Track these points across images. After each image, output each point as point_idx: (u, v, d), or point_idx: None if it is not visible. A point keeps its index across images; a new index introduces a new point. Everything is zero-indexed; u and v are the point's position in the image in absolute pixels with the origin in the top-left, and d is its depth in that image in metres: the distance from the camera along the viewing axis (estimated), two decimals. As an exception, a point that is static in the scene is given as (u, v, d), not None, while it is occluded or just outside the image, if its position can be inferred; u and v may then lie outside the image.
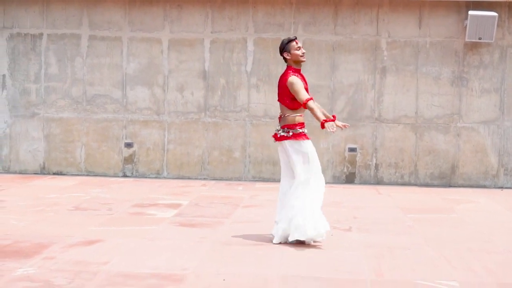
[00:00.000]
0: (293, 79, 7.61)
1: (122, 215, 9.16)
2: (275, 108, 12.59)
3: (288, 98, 7.68)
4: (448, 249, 7.54)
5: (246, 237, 7.92)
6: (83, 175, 12.95)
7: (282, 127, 7.73)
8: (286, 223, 7.62)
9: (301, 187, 7.63)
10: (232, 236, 7.94)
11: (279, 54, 7.85)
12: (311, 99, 7.49)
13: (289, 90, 7.63)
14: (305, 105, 7.48)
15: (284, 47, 7.73)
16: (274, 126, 12.55)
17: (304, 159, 7.64)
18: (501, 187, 12.60)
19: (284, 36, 12.54)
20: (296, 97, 7.58)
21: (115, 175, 12.96)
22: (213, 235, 8.00)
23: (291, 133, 7.67)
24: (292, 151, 7.66)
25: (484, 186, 12.62)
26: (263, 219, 9.02)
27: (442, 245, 7.70)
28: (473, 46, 12.56)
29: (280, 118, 7.81)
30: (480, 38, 12.28)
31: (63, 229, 8.16)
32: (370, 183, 12.70)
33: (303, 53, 7.77)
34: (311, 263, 6.86)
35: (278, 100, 7.83)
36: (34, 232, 8.01)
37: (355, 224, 8.78)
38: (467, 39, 12.34)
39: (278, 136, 7.76)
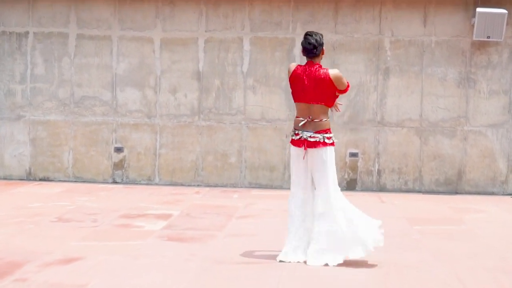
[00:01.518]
0: (337, 71, 7.20)
1: (107, 228, 8.52)
2: (272, 110, 12.00)
3: (332, 96, 7.14)
4: (461, 267, 6.91)
5: (239, 253, 7.28)
6: (71, 181, 12.31)
7: (319, 132, 7.08)
8: (327, 241, 6.97)
9: (339, 196, 7.08)
10: (224, 253, 7.30)
11: (316, 47, 7.13)
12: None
13: (334, 86, 7.08)
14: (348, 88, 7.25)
15: (323, 42, 7.18)
16: (272, 130, 12.04)
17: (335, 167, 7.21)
18: (510, 194, 11.97)
19: (282, 35, 11.96)
20: (342, 89, 7.15)
21: (105, 181, 12.33)
22: (204, 251, 7.35)
23: (332, 140, 7.14)
24: (331, 158, 7.11)
25: (492, 193, 12.00)
26: (259, 231, 8.39)
27: (453, 263, 7.06)
28: (481, 45, 11.95)
29: (308, 122, 7.10)
30: (488, 37, 11.68)
31: (42, 244, 7.54)
32: (372, 190, 12.08)
33: None
34: (312, 285, 6.23)
35: (313, 102, 7.09)
36: (9, 247, 7.39)
37: (358, 237, 8.13)
38: (474, 38, 11.74)
39: (318, 141, 7.06)
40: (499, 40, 11.71)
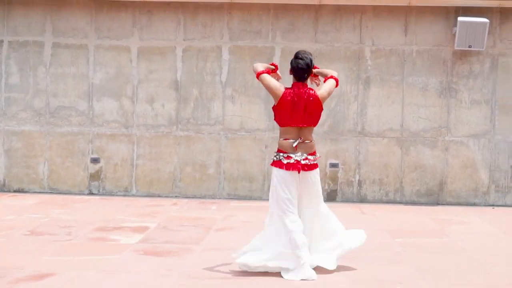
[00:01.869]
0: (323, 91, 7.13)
1: (82, 241, 8.28)
2: (252, 120, 11.81)
3: (320, 115, 7.07)
4: (446, 283, 6.71)
5: (217, 268, 7.07)
6: (46, 192, 12.06)
7: (311, 154, 6.96)
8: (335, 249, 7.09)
9: (327, 211, 7.15)
10: (201, 267, 7.08)
11: (307, 71, 7.02)
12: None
13: (321, 105, 7.00)
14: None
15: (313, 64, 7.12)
16: (251, 140, 11.84)
17: None
18: (493, 205, 11.84)
19: (261, 43, 11.79)
20: (327, 97, 7.09)
21: (81, 193, 12.09)
22: (181, 266, 7.14)
23: (316, 160, 7.07)
24: (318, 178, 7.10)
25: (474, 204, 11.86)
26: (237, 244, 8.15)
27: (438, 278, 6.87)
28: (462, 55, 11.82)
29: (299, 144, 6.92)
30: (470, 46, 11.55)
31: (13, 259, 7.29)
32: (352, 201, 11.91)
33: None
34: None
35: (305, 124, 6.92)
36: (-20, 263, 7.14)
37: (339, 251, 7.93)
38: (456, 47, 11.61)
39: (310, 164, 6.92)
40: (481, 49, 11.58)
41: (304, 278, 6.69)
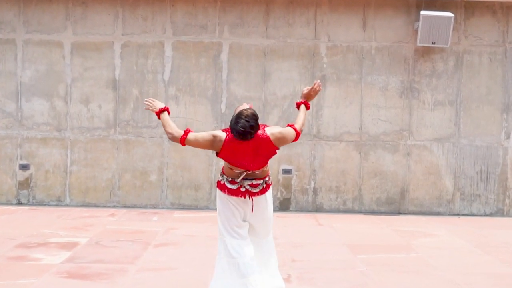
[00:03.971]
0: (277, 130, 5.80)
1: (-2, 261, 7.17)
2: (198, 123, 10.79)
3: (273, 152, 5.79)
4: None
5: (153, 294, 6.03)
6: (-30, 202, 10.92)
7: (262, 178, 5.82)
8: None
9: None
10: (134, 294, 6.03)
11: (250, 136, 5.68)
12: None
13: (274, 145, 5.72)
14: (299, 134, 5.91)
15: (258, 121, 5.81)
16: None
17: None
18: (458, 215, 10.97)
19: (207, 39, 10.80)
20: (293, 139, 5.85)
21: (8, 203, 10.95)
22: (110, 292, 6.07)
23: (270, 181, 5.94)
24: (270, 201, 5.96)
25: (438, 213, 10.98)
26: (179, 264, 7.14)
27: (409, 304, 5.91)
28: (425, 52, 10.95)
29: (249, 174, 5.78)
30: (433, 43, 10.68)
31: None
32: (307, 211, 10.95)
33: None
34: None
35: (255, 169, 5.77)
36: None
37: (295, 270, 6.89)
38: (418, 44, 10.74)
39: (262, 188, 5.83)
40: (445, 46, 10.72)
41: None
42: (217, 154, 5.71)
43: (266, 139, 5.66)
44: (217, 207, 5.86)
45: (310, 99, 6.11)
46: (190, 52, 10.94)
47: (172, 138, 5.70)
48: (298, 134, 5.82)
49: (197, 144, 5.66)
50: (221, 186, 5.81)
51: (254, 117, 5.61)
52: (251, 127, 5.54)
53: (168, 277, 6.60)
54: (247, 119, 5.55)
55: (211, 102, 10.89)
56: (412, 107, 11.00)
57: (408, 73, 10.99)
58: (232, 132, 5.59)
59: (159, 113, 5.81)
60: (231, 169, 5.75)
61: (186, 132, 5.66)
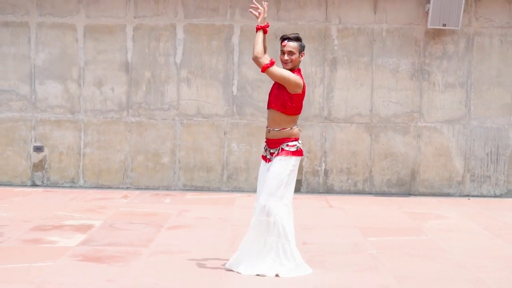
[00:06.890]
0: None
1: (14, 244, 7.28)
2: (209, 105, 10.91)
3: (288, 101, 6.35)
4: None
5: (166, 277, 6.12)
6: (-15, 184, 11.06)
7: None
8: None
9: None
10: (148, 277, 6.12)
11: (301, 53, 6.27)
12: None
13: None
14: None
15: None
16: (208, 127, 10.93)
17: None
18: (468, 196, 11.04)
19: (219, 22, 10.87)
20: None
21: (23, 184, 11.09)
22: (125, 276, 6.15)
23: (295, 147, 6.47)
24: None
25: (448, 194, 11.06)
26: (191, 247, 7.25)
27: (419, 288, 6.00)
28: (435, 34, 10.99)
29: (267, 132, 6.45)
30: (444, 25, 10.73)
31: None
32: (318, 192, 11.05)
33: (286, 60, 6.30)
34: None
35: (270, 106, 6.41)
36: None
37: (306, 254, 6.97)
38: (429, 26, 10.78)
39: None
40: (456, 28, 10.76)
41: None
42: (298, 95, 6.17)
43: None
44: (288, 177, 6.33)
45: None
46: (201, 35, 11.01)
47: (255, 59, 6.19)
48: (304, 88, 6.34)
49: (280, 75, 6.16)
50: (300, 152, 6.33)
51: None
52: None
53: (180, 260, 6.70)
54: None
55: (222, 84, 10.97)
56: (423, 89, 11.06)
57: (418, 55, 11.03)
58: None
59: (259, 28, 6.17)
60: (296, 126, 6.30)
61: (272, 63, 6.12)
